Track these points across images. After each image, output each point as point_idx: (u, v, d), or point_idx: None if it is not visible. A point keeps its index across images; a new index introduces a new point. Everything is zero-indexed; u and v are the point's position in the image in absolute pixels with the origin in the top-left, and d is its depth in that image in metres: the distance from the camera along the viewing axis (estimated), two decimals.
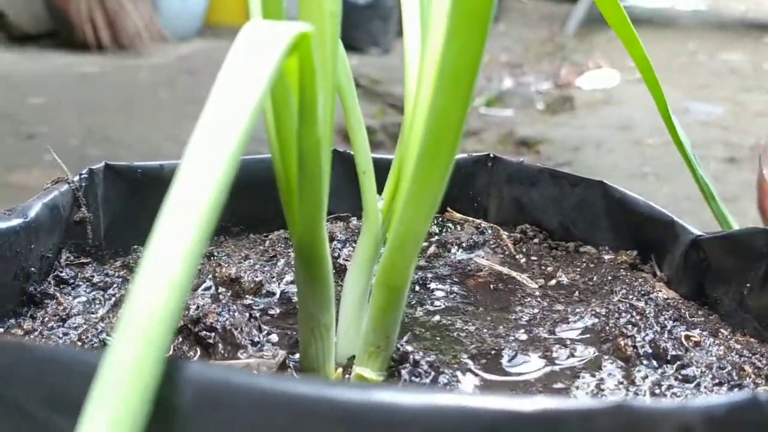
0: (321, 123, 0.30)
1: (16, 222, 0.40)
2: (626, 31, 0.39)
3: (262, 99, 0.23)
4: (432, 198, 0.33)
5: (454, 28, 0.28)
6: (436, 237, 0.54)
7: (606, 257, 0.52)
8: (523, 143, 2.42)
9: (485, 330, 0.45)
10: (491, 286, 0.50)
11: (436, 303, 0.48)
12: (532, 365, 0.41)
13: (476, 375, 0.39)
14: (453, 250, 0.53)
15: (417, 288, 0.49)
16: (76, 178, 0.47)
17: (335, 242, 0.52)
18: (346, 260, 0.49)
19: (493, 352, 0.41)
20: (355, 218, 0.58)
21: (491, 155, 0.59)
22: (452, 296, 0.49)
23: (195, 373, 0.22)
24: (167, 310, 0.20)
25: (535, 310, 0.47)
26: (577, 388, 0.38)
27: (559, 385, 0.39)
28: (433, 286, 0.50)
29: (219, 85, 0.24)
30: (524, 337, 0.44)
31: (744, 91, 3.20)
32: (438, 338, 0.44)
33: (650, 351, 0.41)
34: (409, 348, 0.40)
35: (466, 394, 0.21)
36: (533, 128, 2.57)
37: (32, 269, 0.42)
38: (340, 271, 0.48)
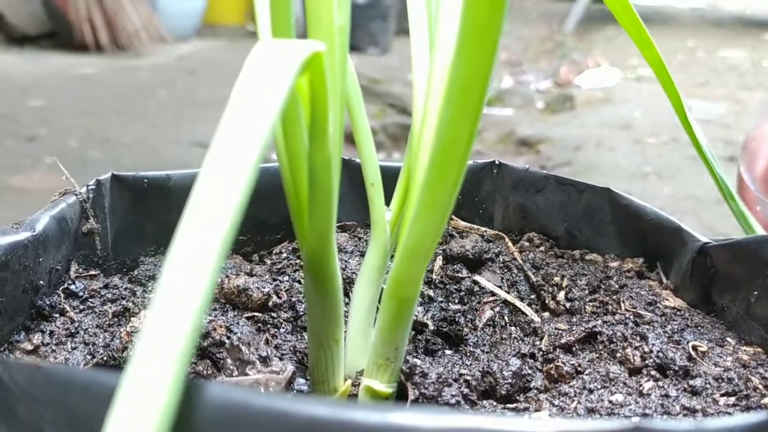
0: (331, 138, 0.30)
1: (23, 236, 0.40)
2: (639, 31, 0.39)
3: (275, 120, 0.23)
4: (441, 211, 0.33)
5: (463, 42, 0.28)
6: (442, 247, 0.54)
7: (612, 265, 0.52)
8: (523, 143, 2.42)
9: (492, 346, 0.45)
10: (498, 314, 0.50)
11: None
12: (539, 379, 0.41)
13: (484, 390, 0.39)
14: (458, 267, 0.53)
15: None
16: (84, 189, 0.47)
17: (342, 254, 0.52)
18: (354, 272, 0.49)
19: (500, 363, 0.41)
20: (361, 228, 0.58)
21: (496, 162, 0.59)
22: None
23: (213, 395, 0.22)
24: (188, 329, 0.20)
25: (543, 323, 0.47)
26: (588, 401, 0.38)
27: (569, 399, 0.39)
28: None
29: (233, 106, 0.24)
30: (532, 350, 0.44)
31: (744, 89, 3.20)
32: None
33: (658, 362, 0.41)
34: (418, 361, 0.40)
35: (483, 415, 0.21)
36: (533, 127, 2.57)
37: (41, 282, 0.42)
38: (348, 283, 0.48)
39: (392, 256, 0.44)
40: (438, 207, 0.32)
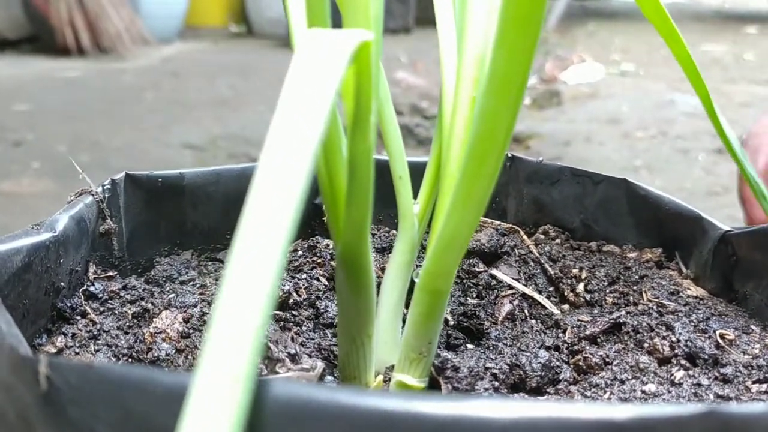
0: (372, 128, 0.30)
1: (45, 236, 0.39)
2: (668, 29, 0.39)
3: (330, 112, 0.23)
4: (478, 202, 0.33)
5: (504, 30, 0.28)
6: None
7: (630, 255, 0.52)
8: (512, 138, 2.42)
9: (514, 339, 0.45)
10: (517, 308, 0.49)
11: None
12: (568, 370, 0.41)
13: (513, 384, 0.39)
14: (474, 261, 0.52)
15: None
16: (100, 189, 0.46)
17: None
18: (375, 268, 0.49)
19: (528, 355, 0.41)
20: (373, 224, 0.57)
21: (509, 155, 0.59)
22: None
23: (279, 391, 0.21)
24: (256, 328, 0.19)
25: (564, 315, 0.47)
26: (620, 391, 0.38)
27: (600, 390, 0.38)
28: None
29: (287, 98, 0.23)
30: (555, 342, 0.44)
31: (728, 82, 3.22)
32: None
33: (687, 351, 0.41)
34: (449, 354, 0.39)
35: (557, 402, 0.21)
36: (522, 123, 2.57)
37: (62, 284, 0.41)
38: None
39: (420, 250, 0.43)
40: (475, 198, 0.32)
